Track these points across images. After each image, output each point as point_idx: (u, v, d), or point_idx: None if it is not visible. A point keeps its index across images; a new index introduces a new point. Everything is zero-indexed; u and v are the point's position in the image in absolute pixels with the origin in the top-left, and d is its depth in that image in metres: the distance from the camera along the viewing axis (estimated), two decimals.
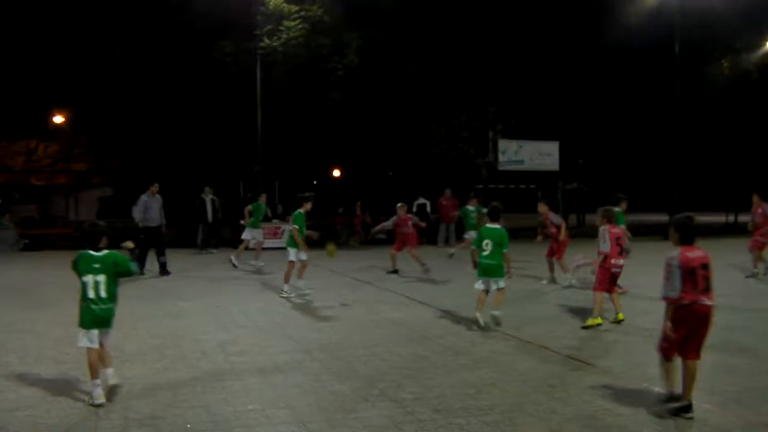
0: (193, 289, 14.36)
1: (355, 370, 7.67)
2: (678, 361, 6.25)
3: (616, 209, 11.84)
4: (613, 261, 10.04)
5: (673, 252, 6.18)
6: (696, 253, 6.15)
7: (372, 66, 27.70)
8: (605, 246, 10.01)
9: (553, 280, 14.74)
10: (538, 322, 10.51)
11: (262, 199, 18.92)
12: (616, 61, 31.52)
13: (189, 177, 27.21)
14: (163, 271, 16.60)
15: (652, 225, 29.75)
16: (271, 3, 26.74)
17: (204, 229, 23.07)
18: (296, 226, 12.85)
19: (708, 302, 6.09)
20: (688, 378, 6.13)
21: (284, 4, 26.98)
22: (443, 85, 29.79)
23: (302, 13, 27.02)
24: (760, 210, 16.13)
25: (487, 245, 9.67)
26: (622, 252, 10.30)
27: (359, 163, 32.24)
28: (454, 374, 7.48)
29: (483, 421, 5.96)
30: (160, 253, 16.74)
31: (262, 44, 25.87)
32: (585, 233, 25.57)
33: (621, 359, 8.28)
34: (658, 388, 6.68)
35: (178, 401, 6.52)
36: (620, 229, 10.60)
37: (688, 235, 6.27)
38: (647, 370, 7.43)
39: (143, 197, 16.78)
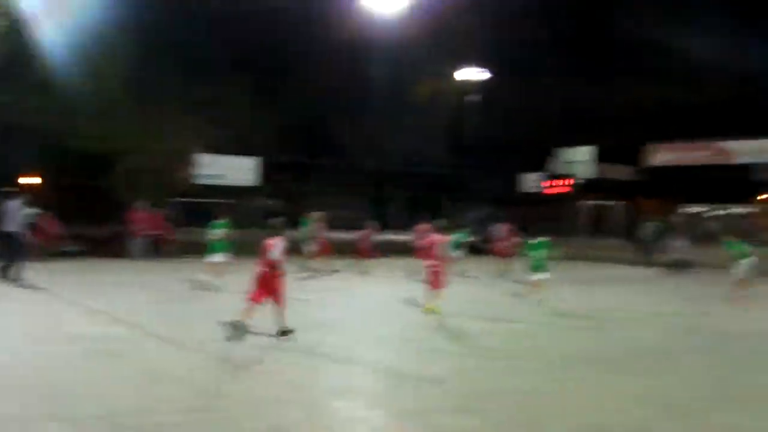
0: None
1: (27, 388, 7.36)
2: None
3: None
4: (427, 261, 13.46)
5: None
6: None
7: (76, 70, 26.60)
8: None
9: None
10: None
11: None
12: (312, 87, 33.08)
13: None
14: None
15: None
16: None
17: None
18: None
19: None
20: None
21: None
22: (145, 94, 29.20)
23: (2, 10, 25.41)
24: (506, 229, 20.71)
25: None
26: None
27: (56, 171, 30.70)
28: (138, 391, 7.42)
29: None
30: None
31: None
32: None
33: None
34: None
35: None
36: (441, 238, 13.63)
37: None
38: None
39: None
